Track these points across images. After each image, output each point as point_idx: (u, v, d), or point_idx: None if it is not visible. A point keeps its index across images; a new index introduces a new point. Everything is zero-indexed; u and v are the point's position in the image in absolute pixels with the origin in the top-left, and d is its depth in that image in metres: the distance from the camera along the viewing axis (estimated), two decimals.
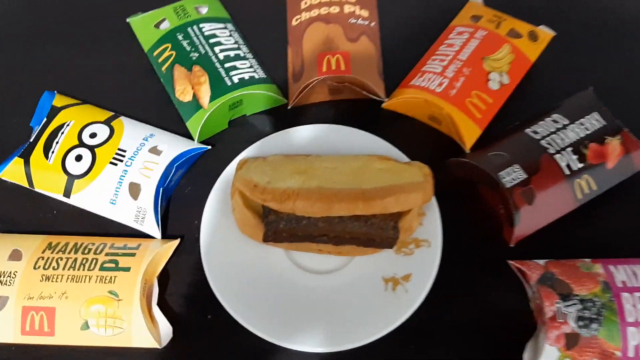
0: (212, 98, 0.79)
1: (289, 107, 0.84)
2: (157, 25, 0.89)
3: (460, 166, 0.76)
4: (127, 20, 0.91)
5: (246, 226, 0.72)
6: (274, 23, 0.92)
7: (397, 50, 0.88)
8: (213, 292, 0.69)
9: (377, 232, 0.68)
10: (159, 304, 0.69)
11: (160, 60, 0.85)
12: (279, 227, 0.68)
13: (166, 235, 0.76)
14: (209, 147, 0.81)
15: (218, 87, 0.80)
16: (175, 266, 0.75)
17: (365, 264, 0.71)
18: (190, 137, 0.81)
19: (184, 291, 0.73)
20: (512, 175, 0.71)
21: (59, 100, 0.83)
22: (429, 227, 0.73)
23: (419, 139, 0.82)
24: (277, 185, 0.68)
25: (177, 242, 0.74)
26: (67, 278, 0.69)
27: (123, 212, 0.76)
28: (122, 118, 0.81)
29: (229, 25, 0.90)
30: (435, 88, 0.79)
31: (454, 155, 0.78)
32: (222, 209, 0.75)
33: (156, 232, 0.75)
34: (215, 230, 0.74)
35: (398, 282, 0.70)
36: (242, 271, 0.71)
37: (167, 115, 0.84)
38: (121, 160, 0.76)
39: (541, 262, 0.68)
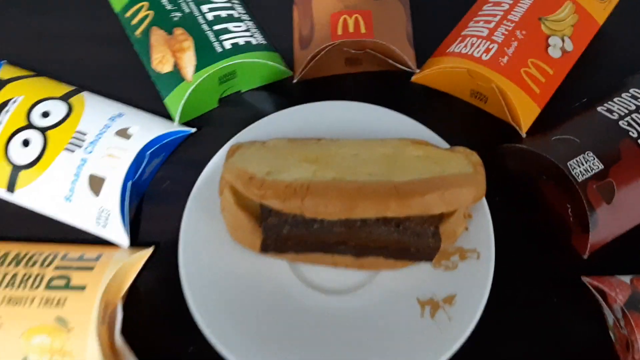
0: (198, 68, 0.64)
1: (295, 81, 0.70)
2: None
3: (515, 155, 0.63)
4: None
5: (239, 232, 0.56)
6: None
7: (430, 10, 0.75)
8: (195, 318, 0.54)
9: (413, 240, 0.52)
10: (125, 334, 0.53)
11: (134, 22, 0.70)
12: (282, 233, 0.52)
13: (137, 243, 0.61)
14: (193, 130, 0.66)
15: (205, 55, 0.65)
16: (148, 283, 0.59)
17: (394, 281, 0.56)
18: (170, 118, 0.66)
19: (159, 316, 0.58)
20: (584, 166, 0.57)
21: (6, 72, 0.68)
22: (477, 234, 0.57)
23: (458, 121, 0.68)
24: (280, 177, 0.51)
25: (149, 251, 0.59)
26: (3, 300, 0.53)
27: (81, 212, 0.60)
28: (85, 94, 0.66)
29: None
30: (481, 55, 0.63)
31: (504, 141, 0.64)
32: (209, 209, 0.59)
33: (123, 238, 0.59)
34: (199, 237, 0.58)
35: (438, 305, 0.54)
36: (233, 291, 0.56)
37: (141, 91, 0.69)
38: (79, 146, 0.60)
39: (626, 278, 0.54)
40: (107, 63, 0.73)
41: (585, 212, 0.55)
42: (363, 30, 0.66)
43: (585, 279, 0.55)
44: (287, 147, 0.57)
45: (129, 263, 0.57)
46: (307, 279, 0.57)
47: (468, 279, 0.55)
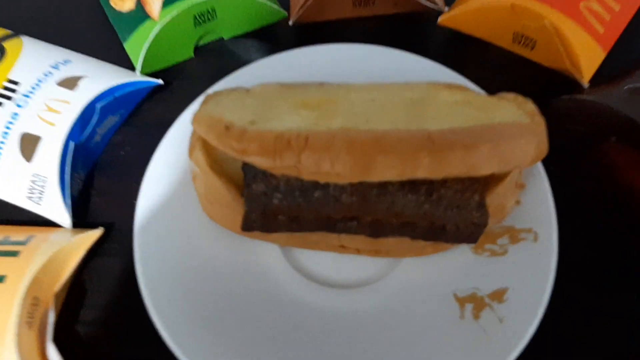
0: (167, 2, 0.50)
1: (291, 23, 0.56)
2: None
3: (575, 112, 0.50)
4: None
5: (215, 206, 0.42)
6: None
7: None
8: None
9: (450, 214, 0.38)
10: (62, 341, 0.40)
11: None
12: (270, 205, 0.38)
13: (85, 224, 0.47)
14: (159, 81, 0.52)
15: None
16: (98, 276, 0.46)
17: (421, 272, 0.43)
18: (133, 69, 0.52)
19: (111, 319, 0.44)
20: None
21: None
22: (533, 209, 0.43)
23: (497, 73, 0.54)
24: (269, 127, 0.37)
25: (97, 233, 0.44)
26: None
27: (9, 181, 0.46)
28: (24, 38, 0.51)
29: None
30: None
31: (559, 95, 0.49)
32: (176, 179, 0.46)
33: (62, 215, 0.45)
34: (162, 216, 0.44)
35: (484, 303, 0.41)
36: (207, 288, 0.42)
37: (101, 38, 0.56)
38: (9, 98, 0.47)
39: None
40: (58, 4, 0.60)
41: None
42: None
43: None
44: (278, 92, 0.42)
45: (68, 248, 0.43)
46: (306, 270, 0.44)
47: (523, 267, 0.41)
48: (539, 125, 0.39)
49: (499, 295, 0.40)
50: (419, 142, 0.35)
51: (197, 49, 0.56)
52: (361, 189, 0.37)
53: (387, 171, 0.35)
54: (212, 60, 0.56)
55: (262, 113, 0.39)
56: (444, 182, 0.38)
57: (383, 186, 0.37)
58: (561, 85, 0.51)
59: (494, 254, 0.42)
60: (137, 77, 0.50)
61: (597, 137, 0.48)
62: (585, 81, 0.50)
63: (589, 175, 0.48)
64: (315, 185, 0.37)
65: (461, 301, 0.41)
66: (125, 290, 0.44)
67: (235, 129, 0.37)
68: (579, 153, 0.49)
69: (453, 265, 0.42)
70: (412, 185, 0.37)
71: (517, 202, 0.43)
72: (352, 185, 0.37)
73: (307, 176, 0.36)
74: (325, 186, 0.37)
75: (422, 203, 0.38)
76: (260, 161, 0.36)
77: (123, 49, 0.53)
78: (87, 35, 0.56)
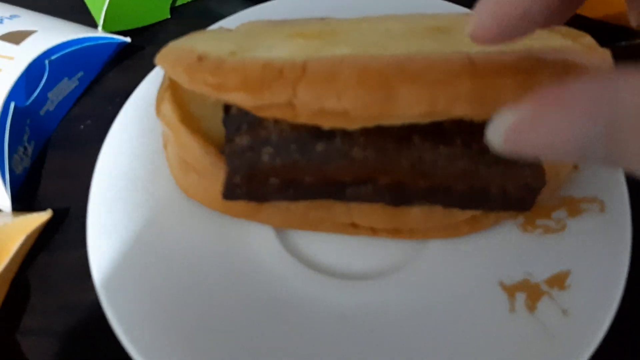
0: None
1: None
2: None
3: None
4: None
5: (189, 174, 0.33)
6: None
7: None
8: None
9: (495, 173, 0.29)
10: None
11: None
12: (259, 162, 0.29)
13: (35, 208, 0.38)
14: (125, 39, 0.43)
15: None
16: (46, 273, 0.37)
17: (455, 257, 0.34)
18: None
19: (60, 326, 0.35)
20: None
21: None
22: (596, 175, 0.34)
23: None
24: (254, 56, 0.27)
25: (45, 216, 0.35)
26: None
27: None
28: None
29: None
30: None
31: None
32: (141, 152, 0.37)
33: (0, 195, 0.35)
34: (122, 197, 0.35)
35: (540, 291, 0.31)
36: (181, 284, 0.33)
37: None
38: None
39: None
40: None
41: None
42: None
43: None
44: (268, 27, 0.33)
45: (5, 233, 0.33)
46: (307, 258, 0.34)
47: (588, 244, 0.32)
48: (605, 55, 0.30)
49: (559, 281, 0.31)
50: (457, 66, 0.26)
51: (174, 8, 0.48)
52: (378, 139, 0.28)
53: (413, 107, 0.25)
54: (191, 22, 0.47)
55: (246, 44, 0.30)
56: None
57: (406, 135, 0.28)
58: (614, 36, 0.42)
59: (548, 230, 0.33)
60: (96, 32, 0.42)
61: None
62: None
63: None
64: (317, 134, 0.28)
65: (510, 290, 0.31)
66: (79, 291, 0.35)
67: (210, 60, 0.28)
68: None
69: (497, 247, 0.33)
70: (444, 134, 0.28)
71: (575, 167, 0.34)
72: (365, 132, 0.28)
73: (305, 118, 0.26)
74: (331, 135, 0.28)
75: (458, 157, 0.28)
76: (243, 98, 0.27)
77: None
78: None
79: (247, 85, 0.26)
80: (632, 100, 0.15)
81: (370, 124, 0.26)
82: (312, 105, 0.26)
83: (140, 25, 0.46)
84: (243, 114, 0.29)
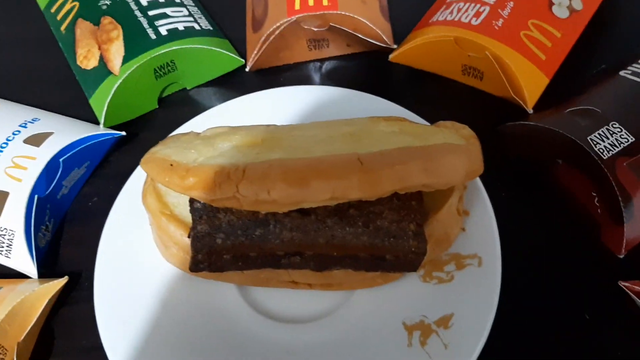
0: (127, 59, 0.53)
1: (248, 69, 0.58)
2: None
3: (521, 137, 0.51)
4: None
5: (169, 248, 0.44)
6: None
7: None
8: None
9: (388, 244, 0.40)
10: None
11: (59, 17, 0.60)
12: (215, 244, 0.39)
13: (56, 274, 0.48)
14: (121, 133, 0.54)
15: (136, 43, 0.54)
16: (65, 323, 0.47)
17: (372, 302, 0.44)
18: (99, 123, 0.55)
19: None
20: (609, 140, 0.45)
21: None
22: (478, 235, 0.45)
23: (449, 105, 0.55)
24: (210, 162, 0.39)
25: (62, 282, 0.46)
26: None
27: None
28: None
29: None
30: (470, 20, 0.52)
31: (508, 121, 0.49)
32: (135, 225, 0.47)
33: (29, 266, 0.47)
34: (120, 261, 0.46)
35: (430, 330, 0.41)
36: (164, 328, 0.43)
37: (69, 96, 0.58)
38: None
39: None
40: (32, 67, 0.63)
41: (617, 199, 0.43)
42: (325, 2, 0.54)
43: (624, 284, 0.43)
44: (226, 134, 0.44)
45: (32, 297, 0.45)
46: (262, 307, 0.45)
47: (468, 293, 0.42)
48: (473, 145, 0.41)
49: (444, 322, 0.41)
50: (349, 164, 0.37)
51: (161, 100, 0.58)
52: (300, 224, 0.39)
53: (320, 194, 0.36)
54: (176, 110, 0.58)
55: (206, 152, 0.41)
56: (380, 213, 0.39)
57: (321, 220, 0.39)
58: (512, 113, 0.52)
59: (441, 281, 0.43)
60: (99, 130, 0.53)
61: (542, 161, 0.49)
62: (529, 107, 0.51)
63: (536, 198, 0.49)
64: (256, 222, 0.39)
65: (410, 329, 0.41)
66: (91, 336, 0.46)
67: (179, 167, 0.39)
68: (526, 178, 0.50)
69: (402, 295, 0.43)
70: (349, 218, 0.39)
71: (462, 229, 0.44)
72: (291, 220, 0.39)
73: (246, 206, 0.38)
74: (266, 223, 0.39)
75: (360, 234, 0.39)
76: (201, 195, 0.38)
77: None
78: (63, 97, 0.58)
79: (204, 186, 0.38)
80: None
81: (293, 207, 0.37)
82: (250, 198, 0.37)
83: (134, 116, 0.57)
84: (203, 206, 0.40)
